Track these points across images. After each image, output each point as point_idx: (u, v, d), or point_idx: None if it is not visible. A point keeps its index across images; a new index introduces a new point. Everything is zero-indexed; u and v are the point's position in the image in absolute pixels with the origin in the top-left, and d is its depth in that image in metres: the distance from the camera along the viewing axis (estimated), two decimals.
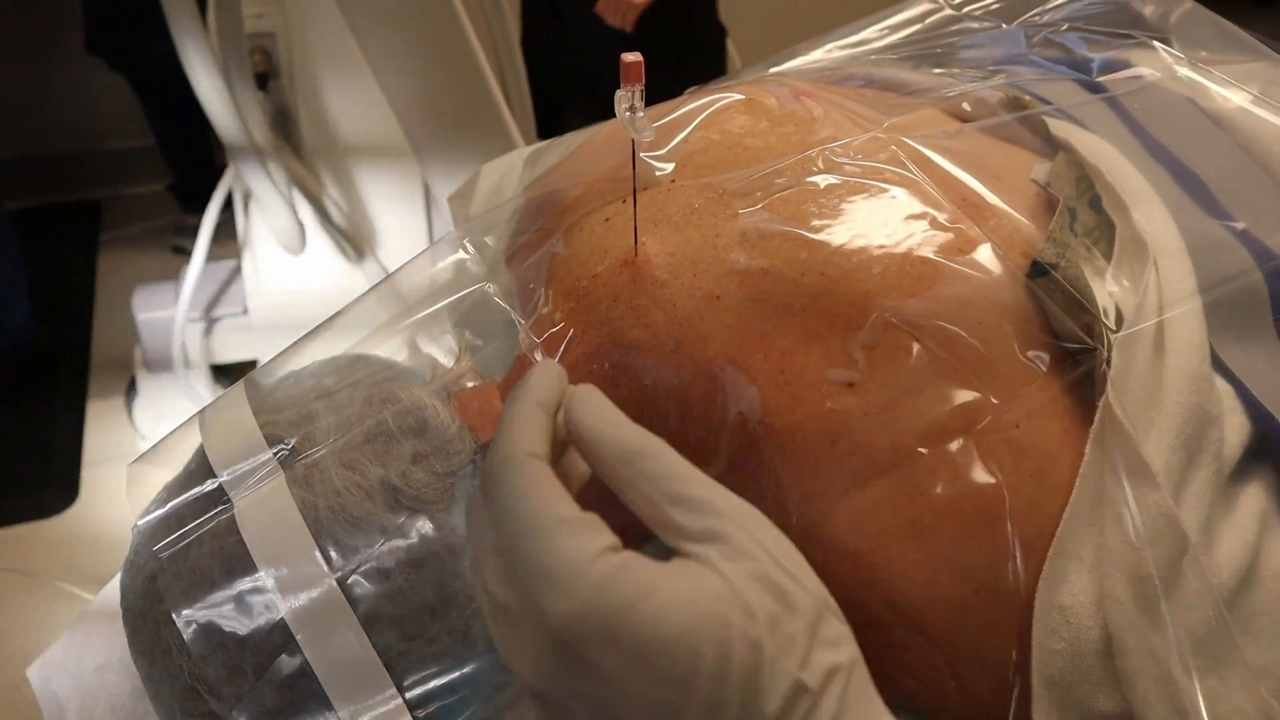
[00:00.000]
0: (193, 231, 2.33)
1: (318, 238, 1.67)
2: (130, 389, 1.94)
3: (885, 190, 0.51)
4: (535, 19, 1.97)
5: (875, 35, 0.74)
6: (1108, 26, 0.69)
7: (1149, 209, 0.52)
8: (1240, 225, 0.53)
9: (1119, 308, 0.48)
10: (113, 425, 1.95)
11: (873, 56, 0.70)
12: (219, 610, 0.47)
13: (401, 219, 1.72)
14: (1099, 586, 0.44)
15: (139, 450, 1.84)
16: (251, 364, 1.89)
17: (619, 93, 0.48)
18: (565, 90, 1.90)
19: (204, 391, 1.80)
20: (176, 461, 0.55)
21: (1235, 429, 0.49)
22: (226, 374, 1.89)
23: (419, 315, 0.59)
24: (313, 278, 1.73)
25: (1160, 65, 0.64)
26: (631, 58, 0.47)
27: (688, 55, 1.90)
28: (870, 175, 0.52)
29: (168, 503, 0.52)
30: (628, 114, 0.48)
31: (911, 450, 0.45)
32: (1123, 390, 0.46)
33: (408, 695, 0.47)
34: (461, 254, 0.60)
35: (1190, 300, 0.49)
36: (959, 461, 0.45)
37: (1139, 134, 0.59)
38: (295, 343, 0.60)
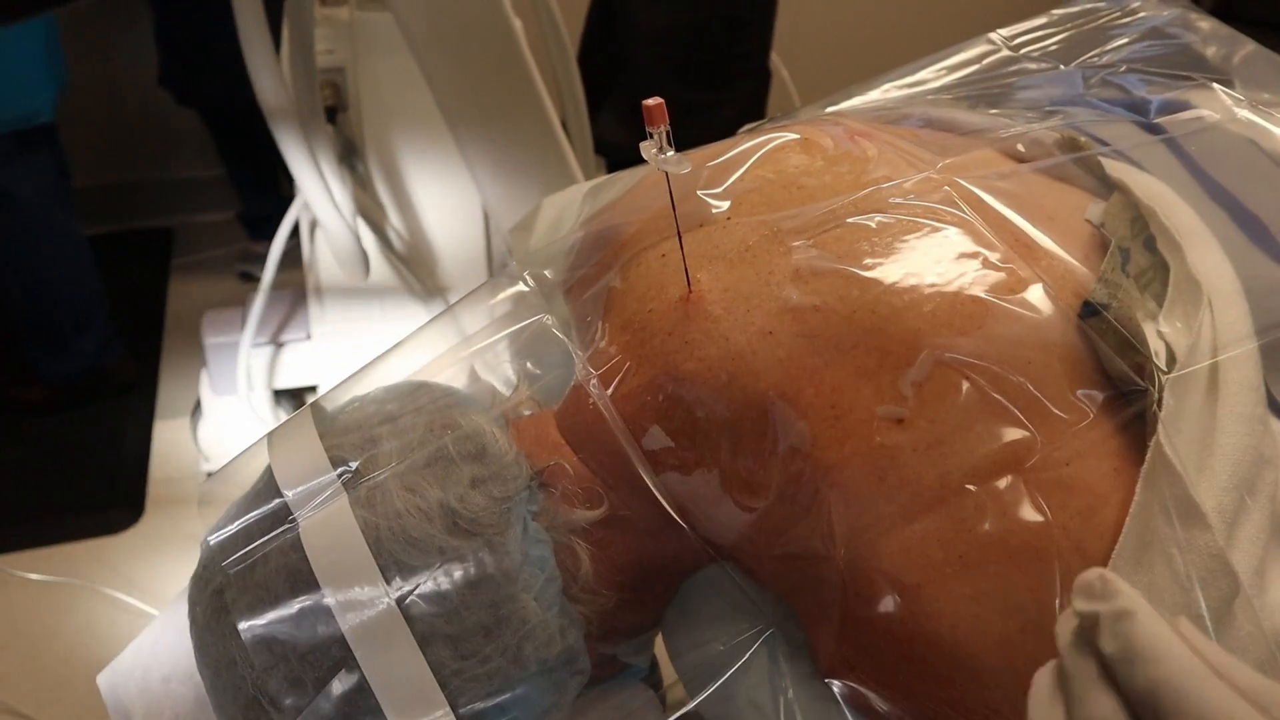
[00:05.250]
0: (259, 259, 2.39)
1: (380, 266, 1.71)
2: (196, 410, 1.99)
3: (938, 230, 0.51)
4: (592, 31, 2.03)
5: (932, 76, 0.75)
6: (1168, 68, 0.69)
7: (1204, 250, 0.52)
8: None
9: (1171, 348, 0.48)
10: (178, 445, 2.00)
11: (929, 97, 0.71)
12: (282, 624, 0.49)
13: (462, 247, 1.76)
14: None
15: (203, 471, 1.89)
16: (312, 389, 1.93)
17: (644, 144, 0.50)
18: (597, 94, 1.94)
19: (266, 414, 1.84)
20: (245, 481, 0.57)
21: None
22: (288, 398, 1.93)
23: (479, 345, 0.61)
24: (374, 305, 1.77)
25: (1220, 107, 0.64)
26: (653, 102, 0.48)
27: (725, 81, 1.93)
28: (923, 215, 0.52)
29: (235, 519, 0.54)
30: (656, 153, 0.49)
31: (960, 487, 0.45)
32: (1174, 431, 0.46)
33: (460, 713, 0.48)
34: (521, 286, 0.62)
35: (1246, 342, 0.49)
36: (1007, 499, 0.45)
37: (1198, 175, 0.59)
38: (359, 370, 0.62)
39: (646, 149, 0.50)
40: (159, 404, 2.11)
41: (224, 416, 1.88)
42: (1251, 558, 0.45)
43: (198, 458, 1.91)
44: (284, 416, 1.89)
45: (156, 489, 1.90)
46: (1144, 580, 0.44)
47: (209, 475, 1.89)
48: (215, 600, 0.51)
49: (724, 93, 1.92)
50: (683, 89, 1.88)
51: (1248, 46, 0.72)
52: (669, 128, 0.49)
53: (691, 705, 0.52)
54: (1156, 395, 0.46)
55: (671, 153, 0.49)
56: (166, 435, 2.02)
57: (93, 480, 1.92)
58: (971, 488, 0.45)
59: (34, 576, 1.68)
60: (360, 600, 0.48)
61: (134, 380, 2.14)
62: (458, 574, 0.49)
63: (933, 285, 0.49)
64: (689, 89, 1.89)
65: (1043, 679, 0.36)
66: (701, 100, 1.87)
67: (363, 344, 1.80)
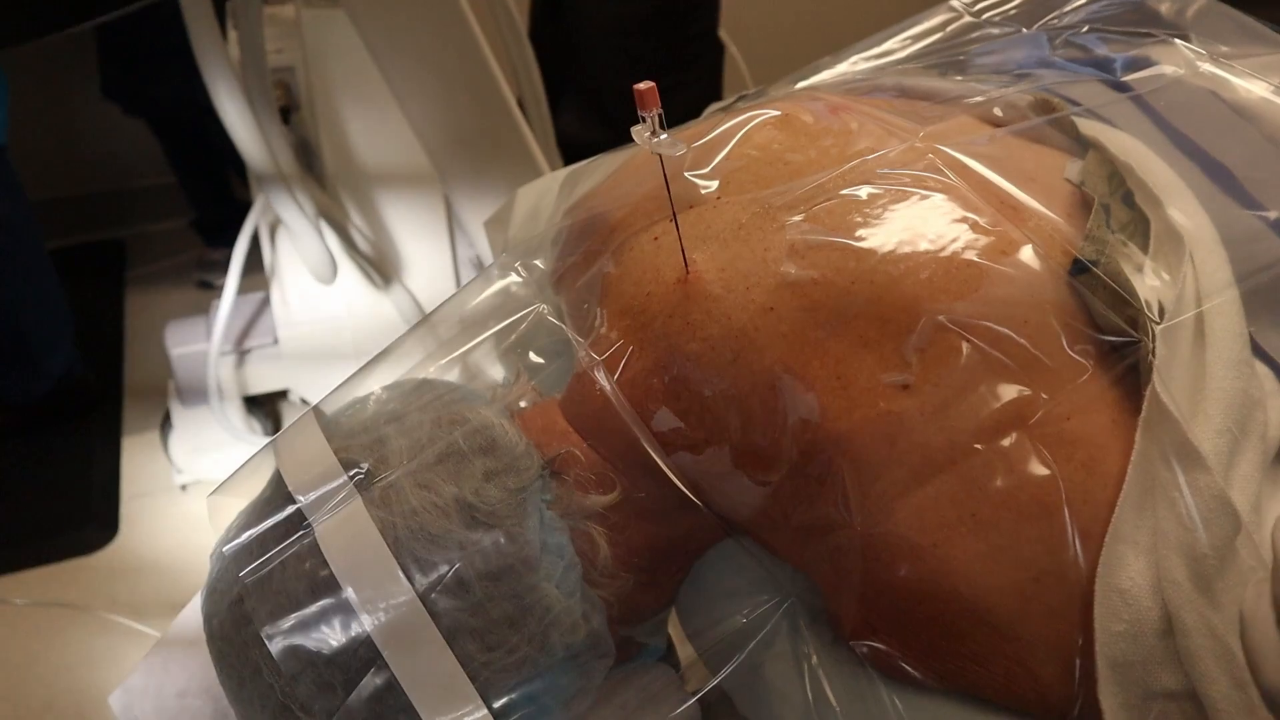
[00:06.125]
0: (216, 266, 2.36)
1: (344, 265, 1.70)
2: (165, 423, 1.97)
3: (926, 197, 0.52)
4: (539, 23, 2.01)
5: (898, 46, 0.76)
6: (1126, 26, 0.71)
7: (1181, 202, 0.54)
8: (1272, 215, 0.54)
9: (1160, 300, 0.50)
10: (149, 459, 1.98)
11: (899, 67, 0.72)
12: (307, 629, 0.49)
13: (425, 243, 1.75)
14: (1156, 569, 0.45)
15: (176, 485, 1.87)
16: (283, 394, 1.92)
17: (636, 128, 0.50)
18: (559, 88, 1.93)
19: (237, 422, 1.82)
20: (252, 490, 0.57)
21: (1278, 411, 0.50)
22: (258, 404, 1.91)
23: (475, 340, 0.61)
24: (340, 305, 1.75)
25: (1181, 61, 0.66)
26: (644, 86, 0.49)
27: (683, 62, 1.93)
28: (911, 184, 0.53)
29: (245, 529, 0.53)
30: (650, 137, 0.50)
31: (968, 447, 0.47)
32: (1169, 378, 0.47)
33: (490, 704, 0.49)
34: (513, 278, 0.62)
35: (1227, 289, 0.51)
36: (1014, 455, 0.46)
37: (1166, 129, 0.60)
38: (354, 374, 0.62)
39: (639, 133, 0.50)
40: (125, 419, 2.08)
41: (195, 427, 1.86)
42: (1248, 495, 0.46)
43: (169, 471, 1.89)
44: (255, 423, 1.87)
45: (129, 505, 1.88)
46: (1149, 524, 0.46)
47: (183, 487, 1.87)
48: (235, 610, 0.51)
49: (684, 75, 1.91)
50: (641, 77, 1.86)
51: (1199, 0, 0.74)
52: (661, 111, 0.49)
53: (718, 679, 0.53)
54: (1150, 346, 0.48)
55: (665, 135, 0.50)
56: (135, 451, 2.00)
57: (64, 501, 1.89)
58: (979, 447, 0.47)
59: (18, 601, 1.66)
60: (384, 600, 0.48)
61: (98, 397, 2.11)
62: (479, 567, 0.49)
63: (927, 252, 0.50)
64: (648, 76, 1.88)
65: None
66: (662, 85, 1.86)
67: (331, 345, 1.79)
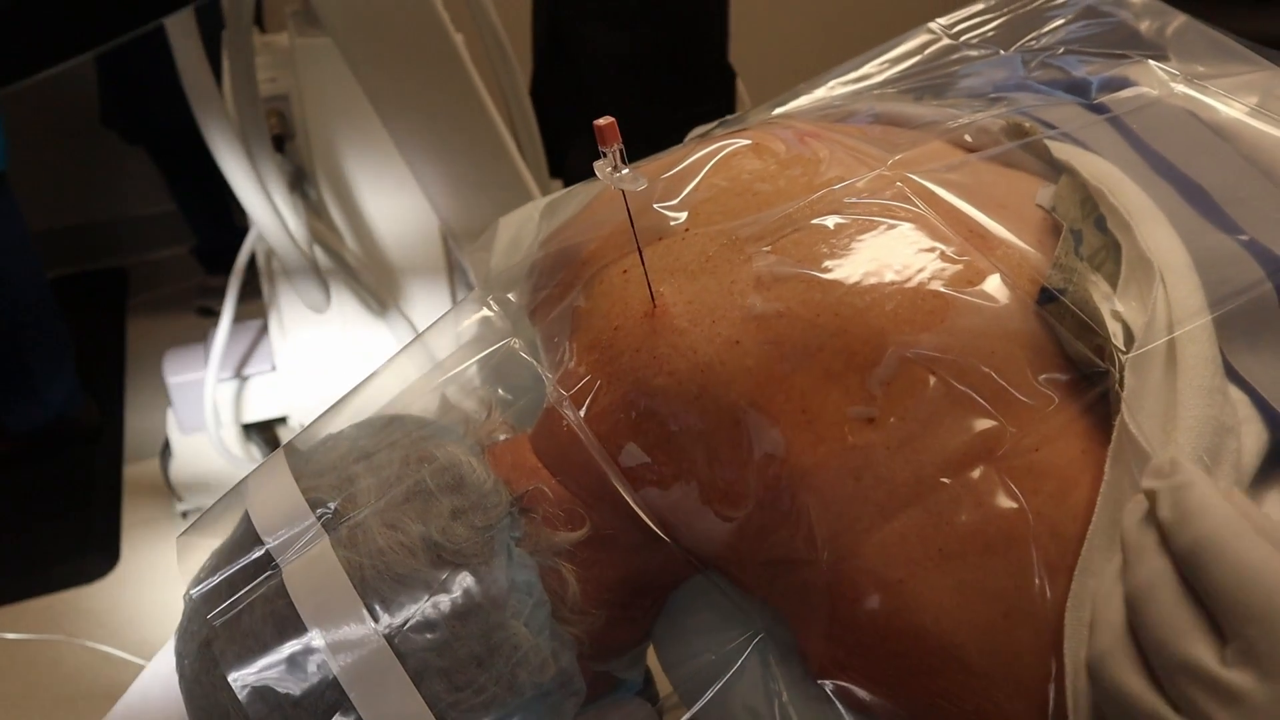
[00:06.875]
0: (217, 293, 2.37)
1: (341, 292, 1.70)
2: (165, 451, 1.97)
3: (893, 227, 0.52)
4: (545, 63, 2.01)
5: (876, 69, 0.75)
6: (1104, 47, 0.71)
7: (1154, 226, 0.53)
8: (1246, 236, 0.54)
9: (1129, 327, 0.49)
10: (150, 488, 1.98)
11: (875, 92, 0.72)
12: (273, 672, 0.49)
13: (422, 268, 1.75)
14: None
15: (177, 511, 1.87)
16: (281, 420, 1.92)
17: (598, 163, 0.50)
18: (570, 131, 1.93)
19: (236, 450, 1.83)
20: (223, 530, 0.56)
21: (1253, 437, 0.49)
22: (257, 431, 1.92)
23: (448, 374, 0.61)
24: (338, 331, 1.76)
25: (1155, 82, 0.65)
26: (604, 122, 0.49)
27: (697, 95, 1.93)
28: (878, 213, 0.53)
29: (216, 570, 0.53)
30: (611, 172, 0.50)
31: (934, 481, 0.46)
32: (1138, 408, 0.47)
33: None
34: (486, 311, 0.62)
35: (1199, 315, 0.50)
36: (981, 489, 0.46)
37: (1142, 151, 0.60)
38: (330, 407, 0.62)
39: (601, 168, 0.50)
40: (126, 447, 2.09)
41: (195, 455, 1.86)
42: None
43: (170, 499, 1.90)
44: (254, 450, 1.88)
45: (131, 533, 1.89)
46: (1118, 558, 0.45)
47: (184, 515, 1.87)
48: (203, 653, 0.51)
49: (699, 105, 1.90)
50: (654, 110, 1.85)
51: (1179, 19, 0.73)
52: (622, 146, 0.49)
53: (688, 715, 0.52)
54: (1118, 375, 0.47)
55: (626, 170, 0.50)
56: (137, 478, 2.00)
57: (65, 530, 1.90)
58: (946, 480, 0.46)
59: (11, 636, 1.65)
60: (350, 641, 0.48)
61: (100, 426, 2.11)
62: (446, 606, 0.49)
63: (893, 283, 0.50)
64: (661, 109, 1.87)
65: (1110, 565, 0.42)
66: (678, 117, 1.85)
67: (328, 371, 1.79)
